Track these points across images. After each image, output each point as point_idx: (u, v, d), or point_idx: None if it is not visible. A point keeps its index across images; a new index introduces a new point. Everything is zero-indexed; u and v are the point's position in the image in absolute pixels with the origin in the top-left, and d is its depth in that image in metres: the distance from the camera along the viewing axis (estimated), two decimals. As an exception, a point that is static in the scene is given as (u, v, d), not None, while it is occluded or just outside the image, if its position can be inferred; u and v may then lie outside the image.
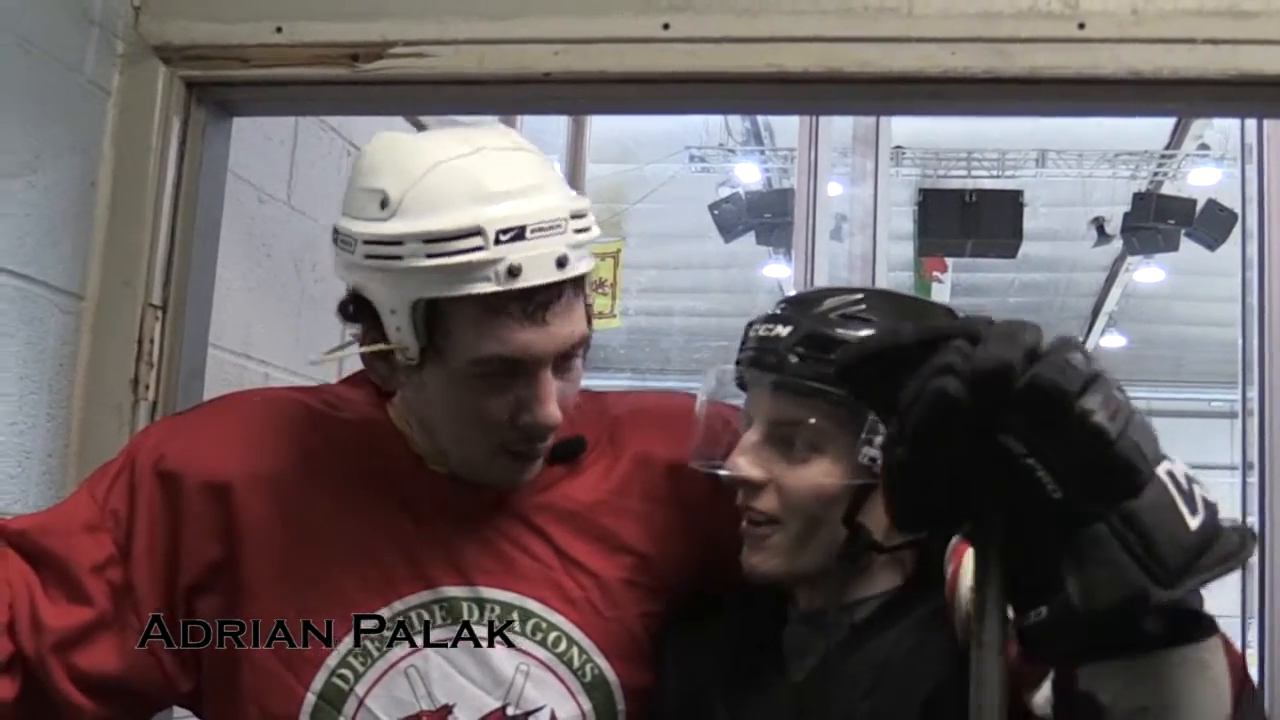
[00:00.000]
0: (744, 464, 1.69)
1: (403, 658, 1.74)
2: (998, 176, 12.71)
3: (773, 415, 1.69)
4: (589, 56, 2.25)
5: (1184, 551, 1.11)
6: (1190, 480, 1.15)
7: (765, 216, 12.37)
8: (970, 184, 12.59)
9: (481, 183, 1.64)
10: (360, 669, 1.73)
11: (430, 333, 1.64)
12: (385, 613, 1.75)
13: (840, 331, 1.67)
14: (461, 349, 1.65)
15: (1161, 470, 1.12)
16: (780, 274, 14.37)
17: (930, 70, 2.20)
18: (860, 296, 1.74)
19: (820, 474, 1.67)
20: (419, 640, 1.74)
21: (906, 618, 1.66)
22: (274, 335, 2.91)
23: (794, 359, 1.66)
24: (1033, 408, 1.07)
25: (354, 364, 1.85)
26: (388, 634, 1.74)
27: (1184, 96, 2.22)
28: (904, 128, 11.19)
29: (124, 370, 2.30)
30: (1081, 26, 2.16)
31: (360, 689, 1.73)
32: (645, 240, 13.48)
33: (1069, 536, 1.12)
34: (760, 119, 12.25)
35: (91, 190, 2.31)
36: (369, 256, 1.63)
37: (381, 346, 1.67)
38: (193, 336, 2.41)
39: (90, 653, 1.73)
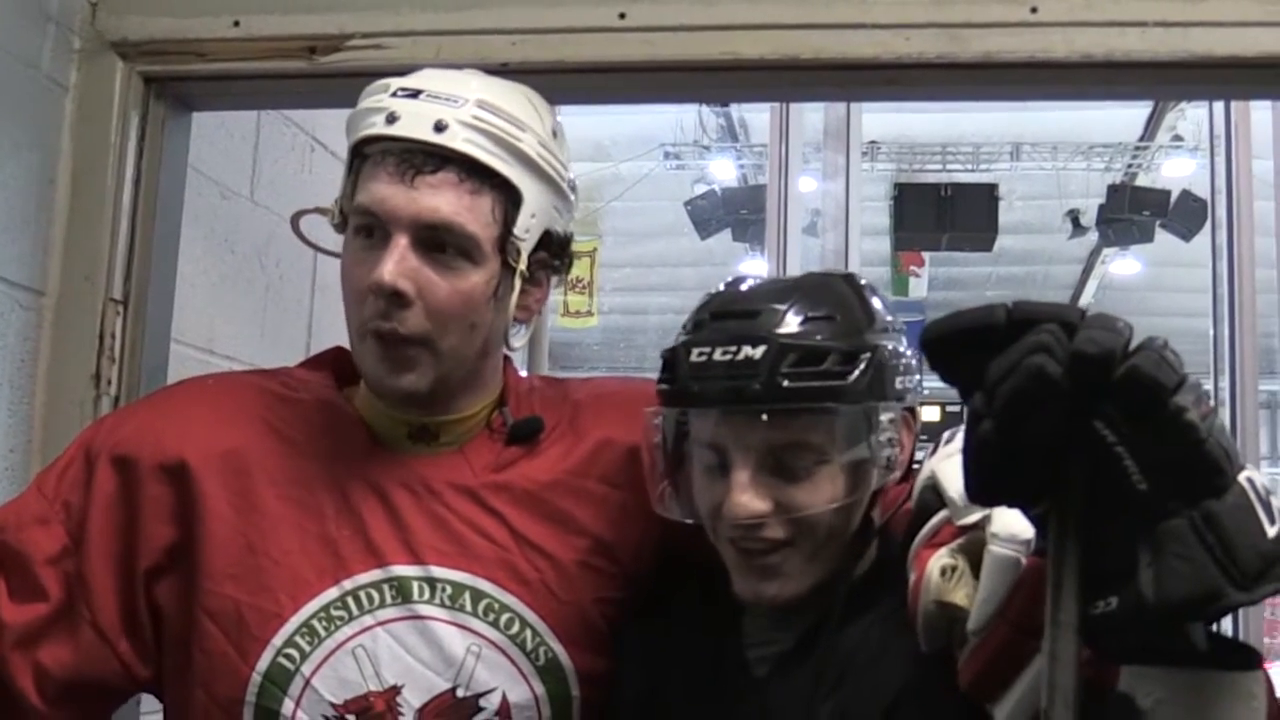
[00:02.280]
0: (749, 502, 1.59)
1: (350, 637, 1.72)
2: (973, 170, 12.75)
3: (767, 443, 1.59)
4: (547, 46, 2.26)
5: (1261, 557, 1.11)
6: (1267, 491, 1.15)
7: (741, 213, 12.38)
8: (945, 178, 12.63)
9: (442, 70, 1.79)
10: (307, 649, 1.71)
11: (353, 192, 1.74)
12: (334, 592, 1.73)
13: (815, 340, 1.59)
14: (350, 199, 1.73)
15: (1242, 477, 1.13)
16: (757, 270, 14.39)
17: (885, 56, 2.20)
18: (802, 289, 1.67)
19: (830, 489, 1.60)
20: (368, 620, 1.73)
21: (871, 610, 1.63)
22: (238, 330, 2.91)
23: (784, 380, 1.56)
24: (1128, 397, 1.08)
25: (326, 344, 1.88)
26: (336, 613, 1.73)
27: (1136, 79, 2.22)
28: (878, 123, 11.21)
29: (85, 366, 2.30)
30: (1034, 10, 2.17)
31: (306, 669, 1.71)
32: (621, 238, 13.46)
33: (1147, 528, 1.12)
34: (735, 114, 12.27)
35: (50, 186, 2.31)
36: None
37: (326, 208, 1.79)
38: (155, 331, 2.40)
39: (47, 648, 1.72)
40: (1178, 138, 12.16)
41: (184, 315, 2.55)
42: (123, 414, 1.97)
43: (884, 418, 1.62)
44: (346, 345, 1.85)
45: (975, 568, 1.41)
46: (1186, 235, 12.11)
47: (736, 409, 1.58)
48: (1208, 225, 11.64)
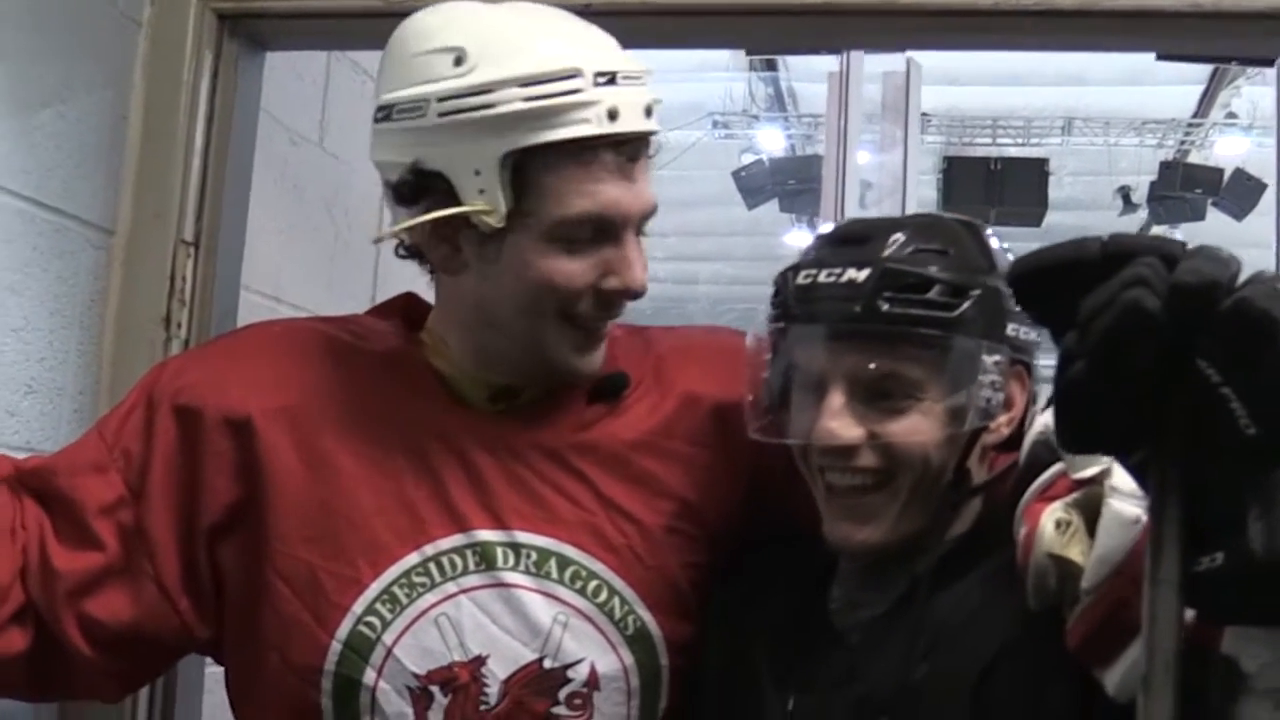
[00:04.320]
0: (837, 428, 1.56)
1: (433, 605, 1.68)
2: (1023, 144, 12.63)
3: (862, 368, 1.56)
4: (633, -11, 2.20)
5: None
6: None
7: (789, 183, 12.31)
8: (995, 152, 12.51)
9: (565, 28, 1.65)
10: (388, 617, 1.67)
11: (518, 193, 1.60)
12: (415, 557, 1.69)
13: (926, 269, 1.56)
14: (550, 208, 1.61)
15: None
16: (803, 241, 14.32)
17: (983, 3, 2.14)
18: (918, 224, 1.65)
19: (925, 421, 1.57)
20: (450, 587, 1.68)
21: (970, 573, 1.58)
22: (306, 279, 2.86)
23: (885, 305, 1.54)
24: (1236, 332, 0.99)
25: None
26: (418, 580, 1.68)
27: (1252, 30, 2.15)
28: (929, 95, 11.12)
29: (156, 307, 2.26)
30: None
31: (388, 638, 1.67)
32: (668, 207, 13.37)
33: (1257, 478, 1.04)
34: (784, 84, 12.18)
35: (122, 123, 2.27)
36: (447, 114, 1.59)
37: (463, 210, 1.61)
38: (225, 275, 2.36)
39: (101, 600, 1.68)
40: (1232, 115, 12.01)
41: (252, 261, 2.51)
42: (186, 360, 1.92)
43: (989, 359, 1.57)
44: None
45: (1090, 525, 1.36)
46: (1239, 214, 11.96)
47: (834, 329, 1.56)
48: (1261, 205, 11.58)
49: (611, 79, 1.59)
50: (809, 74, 11.33)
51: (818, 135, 12.23)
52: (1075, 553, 1.36)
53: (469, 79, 1.58)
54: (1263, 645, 1.14)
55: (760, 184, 12.45)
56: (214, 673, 2.29)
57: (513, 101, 1.57)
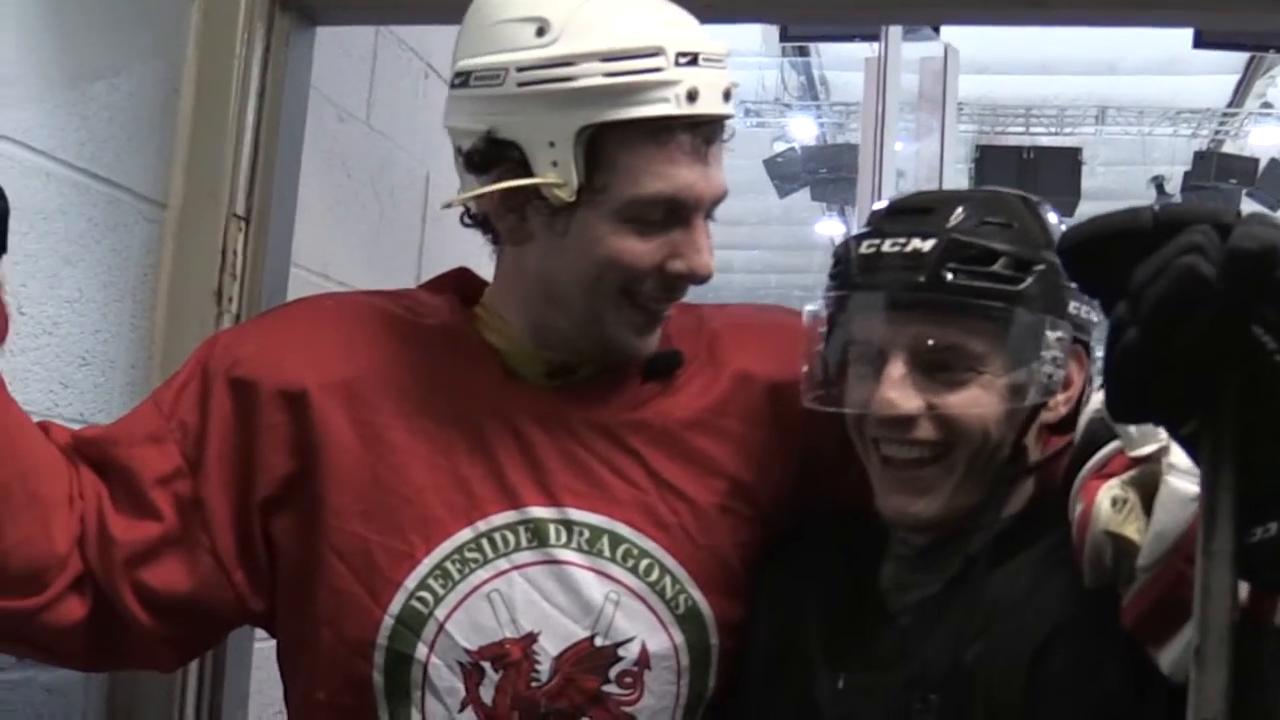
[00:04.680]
0: (897, 398, 1.55)
1: (485, 581, 1.67)
2: (1056, 134, 12.60)
3: (924, 338, 1.55)
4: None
5: None
6: None
7: (821, 171, 12.32)
8: (1028, 141, 12.48)
9: (650, 6, 1.63)
10: (441, 592, 1.67)
11: (590, 167, 1.59)
12: (468, 533, 1.68)
13: (991, 242, 1.55)
14: (623, 186, 1.60)
15: None
16: (834, 230, 14.30)
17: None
18: (981, 198, 1.65)
19: (986, 395, 1.56)
20: (503, 564, 1.67)
21: (1023, 552, 1.57)
22: (351, 255, 2.86)
23: (950, 275, 1.53)
24: None
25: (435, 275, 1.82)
26: (470, 556, 1.67)
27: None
28: (962, 83, 11.11)
29: (207, 281, 2.26)
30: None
31: (440, 613, 1.66)
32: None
33: None
34: (816, 73, 12.17)
35: (175, 96, 2.26)
36: (526, 84, 1.58)
37: (535, 181, 1.60)
38: (276, 250, 2.36)
39: (158, 569, 1.68)
40: (1267, 105, 11.98)
41: (301, 237, 2.50)
42: (240, 333, 1.93)
43: (1051, 335, 1.57)
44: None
45: (1146, 503, 1.35)
46: (1274, 205, 11.92)
47: (901, 297, 1.55)
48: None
49: (693, 60, 1.58)
50: (841, 62, 11.33)
51: (849, 124, 12.25)
52: (1131, 530, 1.35)
53: (550, 50, 1.57)
54: None
55: (792, 172, 12.47)
56: (261, 648, 2.31)
57: (593, 76, 1.56)
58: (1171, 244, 1.00)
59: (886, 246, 1.56)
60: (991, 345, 1.55)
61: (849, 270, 1.60)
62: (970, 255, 1.54)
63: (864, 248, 1.59)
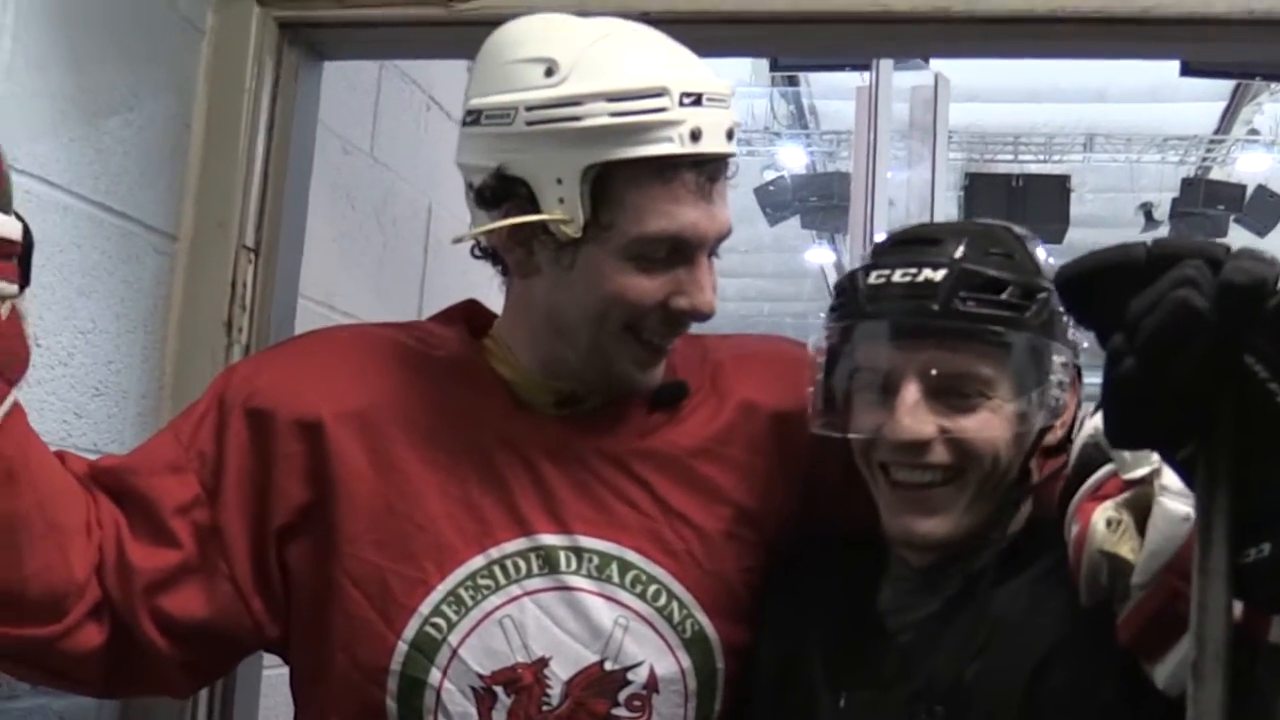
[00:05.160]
0: (912, 425, 1.59)
1: (498, 607, 1.70)
2: (1045, 161, 12.62)
3: (936, 365, 1.59)
4: (692, -5, 2.22)
5: None
6: None
7: (811, 200, 12.34)
8: (1017, 168, 12.51)
9: (656, 48, 1.66)
10: (454, 618, 1.69)
11: (596, 205, 1.62)
12: (481, 560, 1.71)
13: (998, 273, 1.60)
14: (628, 223, 1.63)
15: None
16: (824, 258, 14.32)
17: (1040, 9, 2.17)
18: (979, 230, 1.69)
19: (997, 419, 1.60)
20: (515, 590, 1.70)
21: (1022, 572, 1.61)
22: (356, 286, 2.89)
23: (962, 304, 1.57)
24: None
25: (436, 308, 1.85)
26: (483, 582, 1.70)
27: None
28: (951, 111, 11.13)
29: (217, 312, 2.29)
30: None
31: (454, 639, 1.69)
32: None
33: None
34: (805, 101, 12.20)
35: (185, 130, 2.29)
36: (535, 123, 1.61)
37: (542, 217, 1.63)
38: (284, 281, 2.39)
39: (177, 597, 1.70)
40: (1254, 131, 12.00)
41: (307, 268, 2.53)
42: (257, 363, 1.94)
43: (1056, 360, 1.61)
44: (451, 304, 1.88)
45: (1140, 524, 1.39)
46: (1261, 231, 11.94)
47: (914, 325, 1.59)
48: (1284, 221, 11.59)
49: (697, 100, 1.61)
50: (831, 91, 11.37)
51: (839, 152, 12.27)
52: (1126, 550, 1.39)
53: (558, 90, 1.60)
54: None
55: (783, 200, 12.47)
56: (270, 676, 2.33)
57: (599, 115, 1.59)
58: (1165, 278, 1.05)
59: (897, 277, 1.60)
60: (1000, 370, 1.59)
61: (857, 300, 1.63)
62: (980, 284, 1.58)
63: (873, 278, 1.62)
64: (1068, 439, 1.67)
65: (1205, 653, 1.10)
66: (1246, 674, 1.15)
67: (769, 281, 15.08)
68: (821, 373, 1.69)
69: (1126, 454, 1.41)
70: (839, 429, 1.67)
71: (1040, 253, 1.68)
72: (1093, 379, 1.60)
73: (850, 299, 1.65)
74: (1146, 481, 1.39)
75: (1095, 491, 1.46)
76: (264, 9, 2.33)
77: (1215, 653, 1.09)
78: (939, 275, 1.58)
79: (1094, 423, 1.50)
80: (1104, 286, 1.10)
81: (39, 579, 1.60)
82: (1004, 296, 1.58)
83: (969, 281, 1.58)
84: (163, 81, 2.23)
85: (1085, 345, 1.64)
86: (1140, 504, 1.39)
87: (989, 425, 1.59)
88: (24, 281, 1.51)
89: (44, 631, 1.63)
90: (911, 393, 1.59)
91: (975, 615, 1.59)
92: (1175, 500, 1.34)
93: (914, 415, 1.58)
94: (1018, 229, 1.73)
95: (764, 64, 9.72)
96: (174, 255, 2.28)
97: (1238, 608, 1.12)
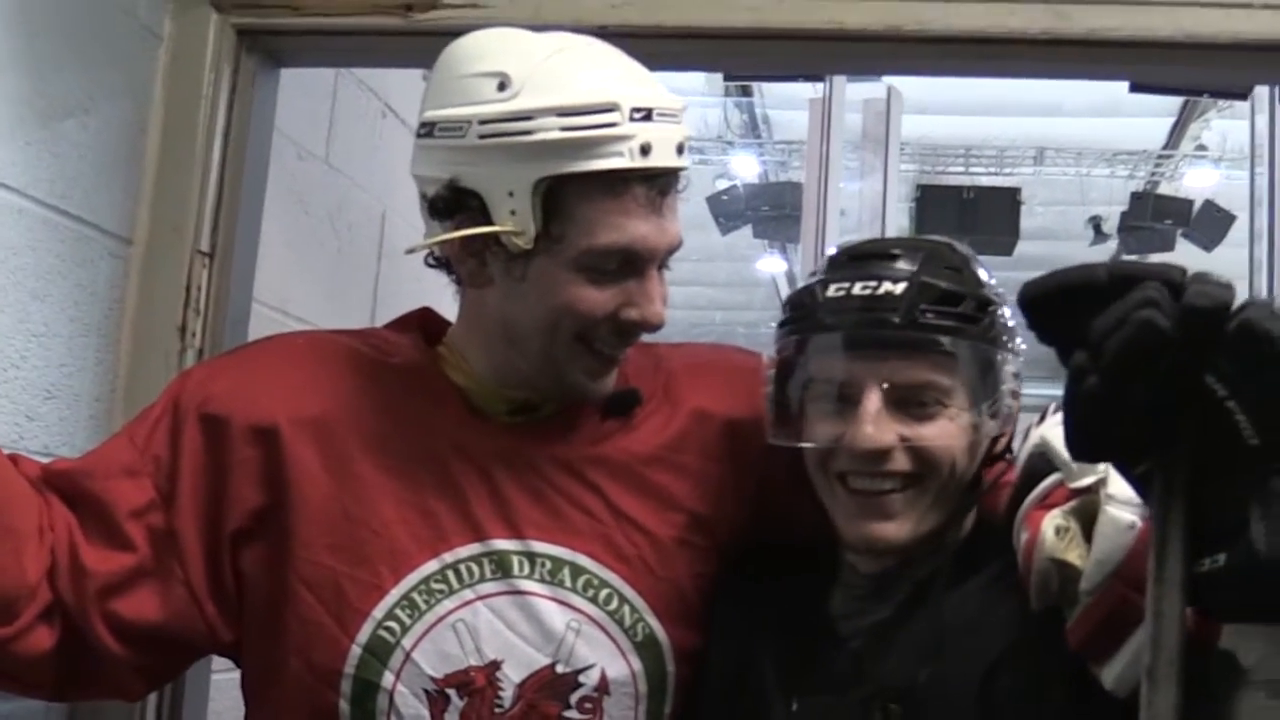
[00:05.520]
0: (875, 434, 1.62)
1: (451, 611, 1.72)
2: (995, 174, 12.70)
3: (899, 377, 1.63)
4: (647, 10, 2.25)
5: None
6: None
7: (763, 209, 12.37)
8: (968, 181, 12.58)
9: (608, 64, 1.69)
10: (407, 622, 1.71)
11: (548, 217, 1.64)
12: (434, 565, 1.73)
13: (954, 286, 1.64)
14: (579, 236, 1.65)
15: None
16: (775, 268, 14.35)
17: (993, 30, 2.20)
18: (929, 246, 1.72)
19: (954, 427, 1.64)
20: (468, 594, 1.72)
21: (970, 578, 1.65)
22: (309, 292, 2.89)
23: (921, 316, 1.61)
24: (1242, 349, 1.07)
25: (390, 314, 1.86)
26: (436, 587, 1.72)
27: (1243, 62, 2.21)
28: (903, 123, 11.19)
29: (171, 316, 2.29)
30: (1142, -12, 2.16)
31: (407, 642, 1.71)
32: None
33: (1259, 484, 1.11)
34: (759, 111, 12.23)
35: (142, 135, 2.30)
36: (487, 136, 1.63)
37: (494, 229, 1.65)
38: (239, 286, 2.39)
39: (131, 600, 1.71)
40: (1201, 147, 12.11)
41: (261, 273, 2.53)
42: (212, 369, 1.95)
43: (1007, 369, 1.66)
44: (406, 311, 1.91)
45: (1086, 531, 1.43)
46: (1208, 245, 12.06)
47: (876, 337, 1.62)
48: (1229, 237, 11.68)
49: (647, 115, 1.64)
50: (784, 101, 11.39)
51: (792, 162, 12.30)
52: (1074, 556, 1.42)
53: (510, 105, 1.63)
54: (1259, 639, 1.21)
55: (735, 209, 12.49)
56: (218, 680, 2.33)
57: (550, 130, 1.61)
58: (1128, 298, 1.09)
59: (856, 289, 1.63)
60: (957, 380, 1.64)
61: (815, 312, 1.66)
62: (938, 297, 1.62)
63: (832, 291, 1.65)
64: (1007, 449, 1.72)
65: (1160, 658, 1.15)
66: (1199, 677, 1.18)
67: (720, 290, 15.10)
68: (777, 384, 1.72)
69: (1073, 464, 1.45)
70: (797, 439, 1.70)
71: (981, 271, 1.72)
72: (1031, 390, 1.66)
73: (809, 312, 1.67)
74: (1092, 490, 1.43)
75: (1043, 500, 1.50)
76: (222, 16, 2.33)
77: (1170, 658, 1.14)
78: (899, 288, 1.61)
79: (1039, 433, 1.54)
80: (1065, 305, 1.14)
81: None
82: (960, 309, 1.63)
83: (928, 294, 1.62)
84: (120, 86, 2.23)
85: (1022, 358, 1.70)
86: (1086, 512, 1.43)
87: (947, 433, 1.63)
88: None
89: None
90: (874, 402, 1.62)
91: (930, 619, 1.62)
92: (1121, 509, 1.38)
93: (876, 424, 1.62)
94: (960, 246, 1.76)
95: (718, 74, 9.75)
96: (128, 259, 2.28)
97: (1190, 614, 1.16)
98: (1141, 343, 1.07)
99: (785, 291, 14.67)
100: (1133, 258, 13.11)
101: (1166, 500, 1.16)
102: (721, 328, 14.82)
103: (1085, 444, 1.17)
